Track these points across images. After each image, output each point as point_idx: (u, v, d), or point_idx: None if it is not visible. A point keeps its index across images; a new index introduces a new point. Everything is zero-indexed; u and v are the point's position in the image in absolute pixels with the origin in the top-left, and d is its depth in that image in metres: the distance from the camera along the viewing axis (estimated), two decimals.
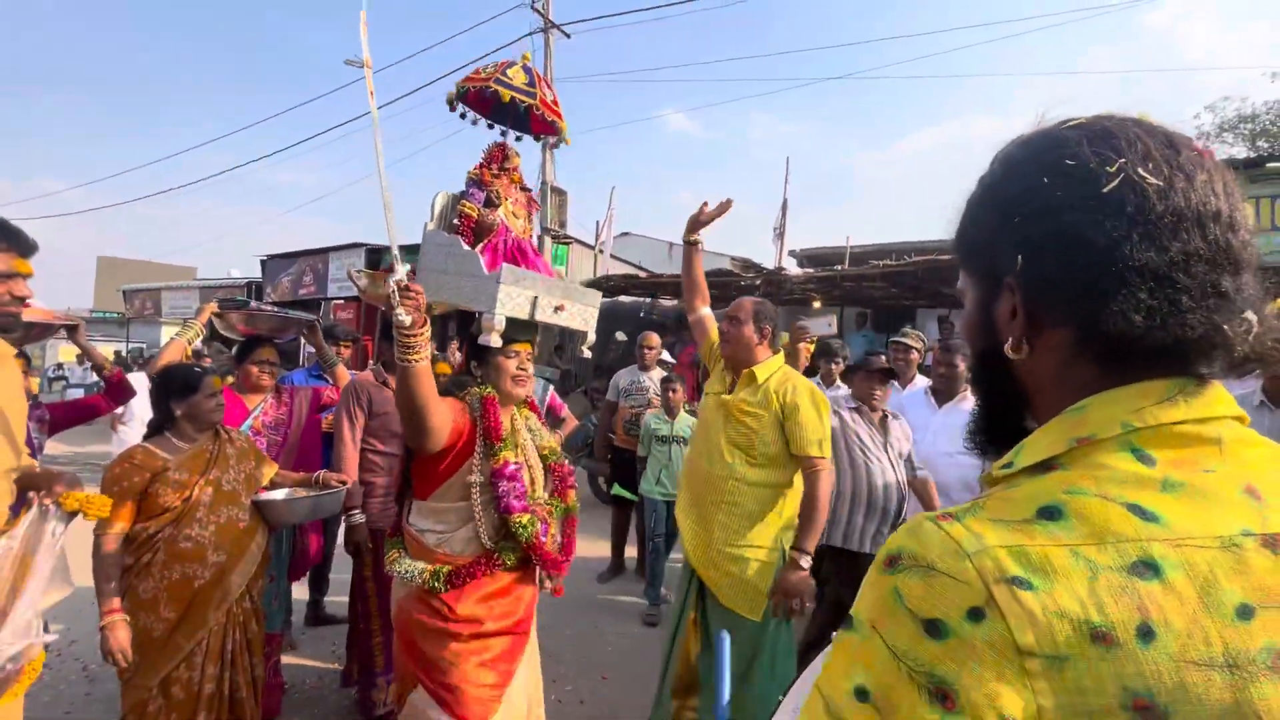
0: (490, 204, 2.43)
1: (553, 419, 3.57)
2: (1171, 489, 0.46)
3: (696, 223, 2.48)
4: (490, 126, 2.57)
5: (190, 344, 2.87)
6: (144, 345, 17.74)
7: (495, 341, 1.93)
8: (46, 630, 1.51)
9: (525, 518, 1.84)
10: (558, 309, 2.14)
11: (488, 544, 1.84)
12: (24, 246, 1.46)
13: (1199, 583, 0.42)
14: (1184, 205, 0.48)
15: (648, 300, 11.67)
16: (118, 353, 17.65)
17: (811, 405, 2.21)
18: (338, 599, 3.57)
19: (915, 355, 3.66)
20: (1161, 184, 0.48)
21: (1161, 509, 0.45)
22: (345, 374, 3.25)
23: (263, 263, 15.25)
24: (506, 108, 2.47)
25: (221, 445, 2.20)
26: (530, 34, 10.67)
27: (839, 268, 8.59)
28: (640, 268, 13.11)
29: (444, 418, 1.76)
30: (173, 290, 18.30)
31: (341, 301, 13.18)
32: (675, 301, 11.50)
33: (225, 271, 18.41)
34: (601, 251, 11.10)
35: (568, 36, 10.97)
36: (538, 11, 10.65)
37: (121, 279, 25.40)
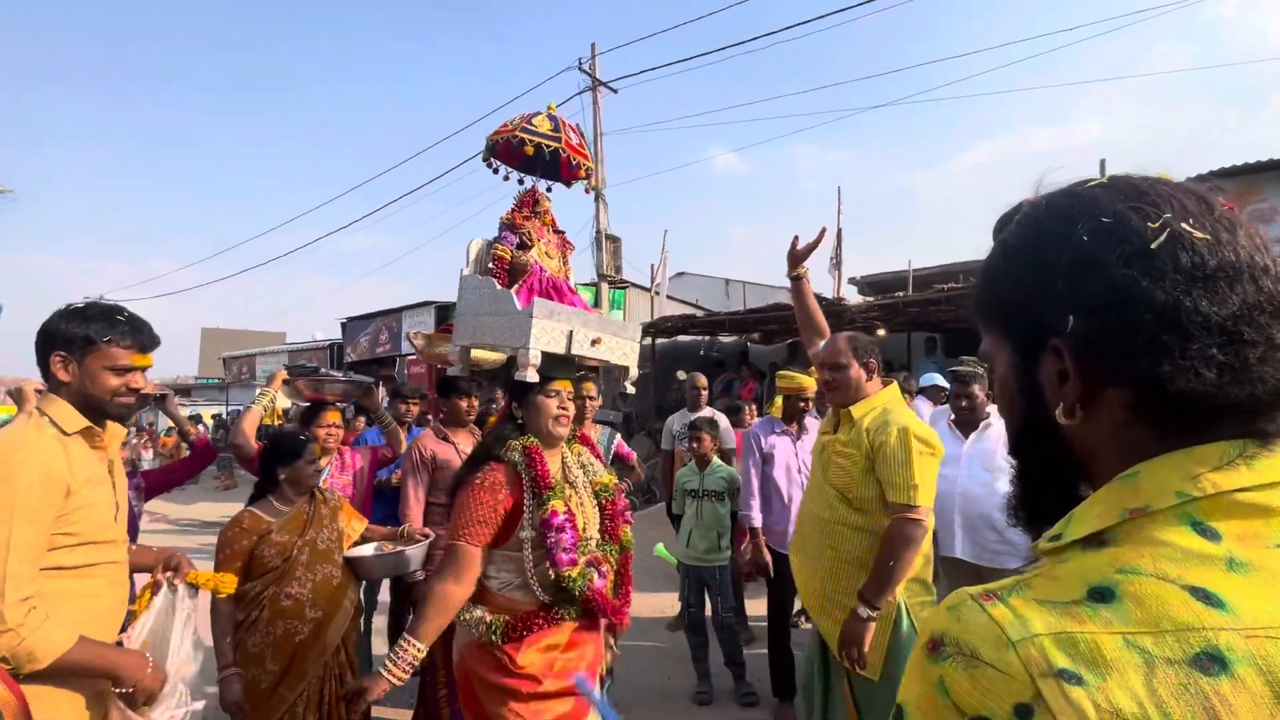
0: (523, 246, 2.53)
1: (621, 468, 3.54)
2: (1239, 569, 0.42)
3: (795, 258, 2.38)
4: (520, 182, 2.67)
5: (266, 410, 2.99)
6: (240, 407, 19.13)
7: (531, 376, 1.89)
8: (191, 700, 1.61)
9: (575, 571, 1.79)
10: (594, 342, 2.10)
11: (543, 598, 1.80)
12: (146, 342, 1.53)
13: (1274, 679, 0.38)
14: (1234, 259, 0.47)
15: (706, 338, 11.68)
16: (217, 416, 19.13)
17: (900, 445, 2.01)
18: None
19: (979, 389, 2.98)
20: (1209, 238, 0.48)
21: (1228, 593, 0.40)
22: (402, 438, 3.28)
23: (343, 325, 16.27)
24: (535, 158, 2.55)
25: (316, 506, 2.37)
26: (580, 93, 11.25)
27: (901, 294, 8.37)
28: (698, 306, 13.16)
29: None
30: (265, 355, 19.76)
31: (415, 358, 13.84)
32: (735, 338, 11.49)
33: (310, 335, 19.73)
34: (658, 294, 11.24)
35: (614, 92, 11.47)
36: (585, 72, 11.22)
37: (222, 347, 27.63)
